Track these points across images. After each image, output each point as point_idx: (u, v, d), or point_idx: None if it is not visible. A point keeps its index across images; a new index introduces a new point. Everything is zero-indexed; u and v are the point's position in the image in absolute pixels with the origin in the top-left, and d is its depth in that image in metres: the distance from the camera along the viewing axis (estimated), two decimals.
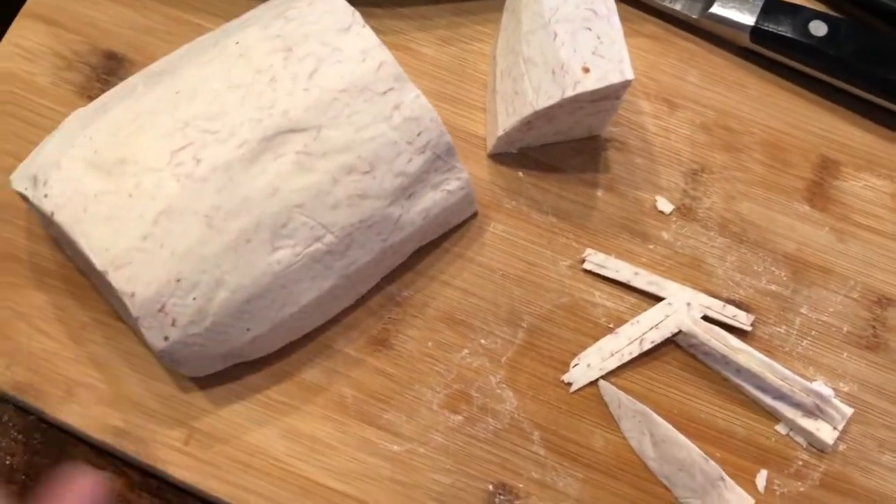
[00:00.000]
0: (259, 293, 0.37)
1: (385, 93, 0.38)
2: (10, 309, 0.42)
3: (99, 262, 0.35)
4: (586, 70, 0.40)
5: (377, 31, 0.46)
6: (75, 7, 0.46)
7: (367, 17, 0.46)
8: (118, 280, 0.35)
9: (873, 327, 0.44)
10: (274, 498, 0.40)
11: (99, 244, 0.35)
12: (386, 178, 0.38)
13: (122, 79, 0.45)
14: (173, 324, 0.36)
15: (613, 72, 0.39)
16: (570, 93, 0.40)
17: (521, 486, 0.41)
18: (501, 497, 0.40)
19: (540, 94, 0.41)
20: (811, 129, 0.47)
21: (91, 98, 0.45)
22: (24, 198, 0.38)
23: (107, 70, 0.46)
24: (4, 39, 0.45)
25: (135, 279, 0.35)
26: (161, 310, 0.35)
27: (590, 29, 0.41)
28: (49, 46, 0.46)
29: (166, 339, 0.36)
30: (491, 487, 0.41)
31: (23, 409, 0.42)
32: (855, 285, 0.44)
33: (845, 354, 0.43)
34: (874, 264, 0.45)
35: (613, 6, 0.41)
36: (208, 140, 0.36)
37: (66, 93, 0.45)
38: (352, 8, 0.39)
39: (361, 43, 0.38)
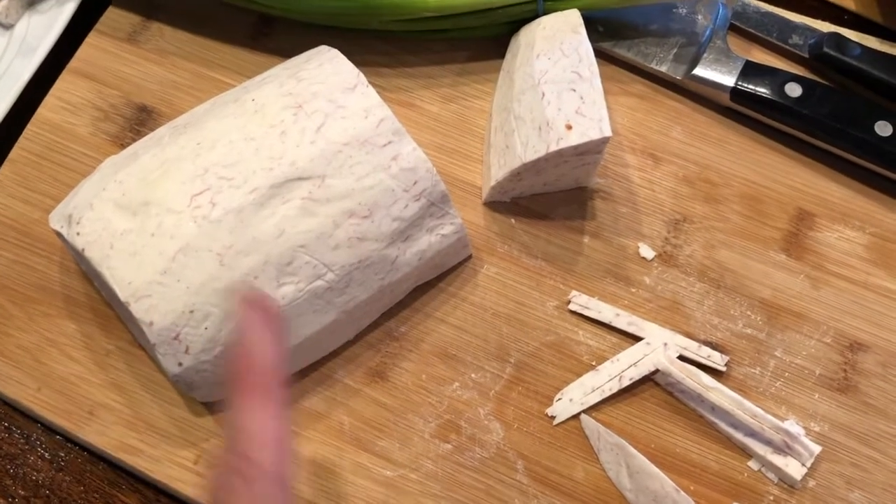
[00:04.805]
0: None
1: (385, 146, 0.42)
2: (42, 336, 0.46)
3: (122, 293, 0.39)
4: (569, 127, 0.43)
5: (385, 89, 0.51)
6: (113, 65, 0.51)
7: (376, 76, 0.51)
8: (139, 310, 0.39)
9: (844, 370, 0.46)
10: None
11: (123, 277, 0.39)
12: (383, 223, 0.42)
13: (151, 129, 0.50)
14: (187, 351, 0.40)
15: (593, 129, 0.43)
16: (553, 147, 0.43)
17: None
18: None
19: (528, 148, 0.44)
20: (788, 183, 0.50)
21: (124, 146, 0.49)
22: (60, 235, 0.42)
23: (138, 121, 0.50)
24: (50, 93, 0.50)
25: (153, 310, 0.39)
26: (176, 338, 0.39)
27: (574, 90, 0.44)
28: (89, 100, 0.51)
29: (180, 364, 0.40)
30: None
31: (50, 429, 0.46)
32: (828, 330, 0.47)
33: (817, 396, 0.46)
34: (847, 311, 0.47)
35: (596, 70, 0.45)
36: (224, 186, 0.40)
37: (102, 142, 0.50)
38: (357, 70, 0.43)
39: (365, 101, 0.42)
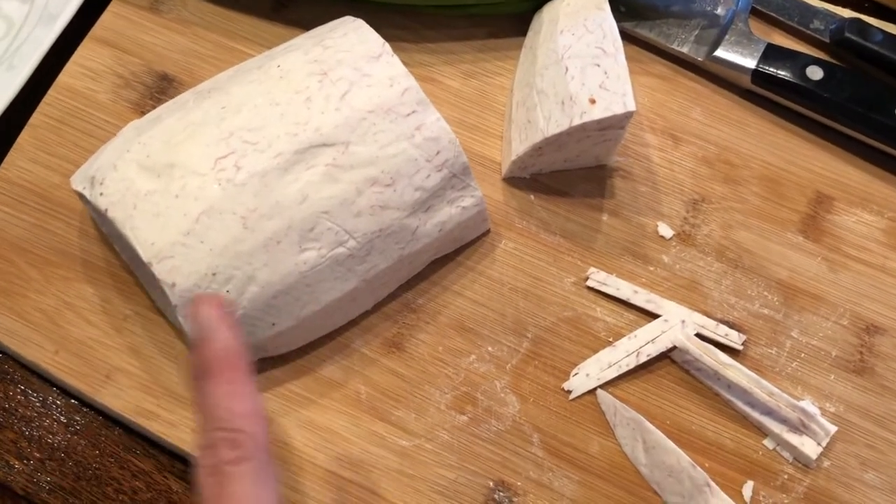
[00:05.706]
0: (285, 290, 0.40)
1: (409, 115, 0.42)
2: (60, 300, 0.46)
3: (145, 254, 0.39)
4: (593, 101, 0.43)
5: (407, 64, 0.50)
6: (135, 33, 0.51)
7: (397, 50, 0.50)
8: (161, 271, 0.39)
9: (861, 353, 0.46)
10: (290, 483, 0.43)
11: (146, 238, 0.39)
12: (406, 192, 0.42)
13: (172, 97, 0.49)
14: None
15: (617, 103, 0.43)
16: (577, 121, 0.43)
17: (519, 484, 0.43)
18: (500, 494, 0.43)
19: (550, 122, 0.44)
20: (807, 166, 0.50)
21: (144, 113, 0.49)
22: (82, 197, 0.42)
23: (159, 89, 0.50)
24: (71, 60, 0.50)
25: (176, 271, 0.39)
26: None
27: (598, 65, 0.44)
28: (110, 67, 0.50)
29: None
30: (491, 484, 0.43)
31: (66, 392, 0.46)
32: (844, 313, 0.47)
33: (833, 377, 0.46)
34: (864, 294, 0.47)
35: (620, 45, 0.45)
36: (248, 150, 0.40)
37: (123, 109, 0.50)
38: (382, 39, 0.43)
39: (390, 70, 0.42)
